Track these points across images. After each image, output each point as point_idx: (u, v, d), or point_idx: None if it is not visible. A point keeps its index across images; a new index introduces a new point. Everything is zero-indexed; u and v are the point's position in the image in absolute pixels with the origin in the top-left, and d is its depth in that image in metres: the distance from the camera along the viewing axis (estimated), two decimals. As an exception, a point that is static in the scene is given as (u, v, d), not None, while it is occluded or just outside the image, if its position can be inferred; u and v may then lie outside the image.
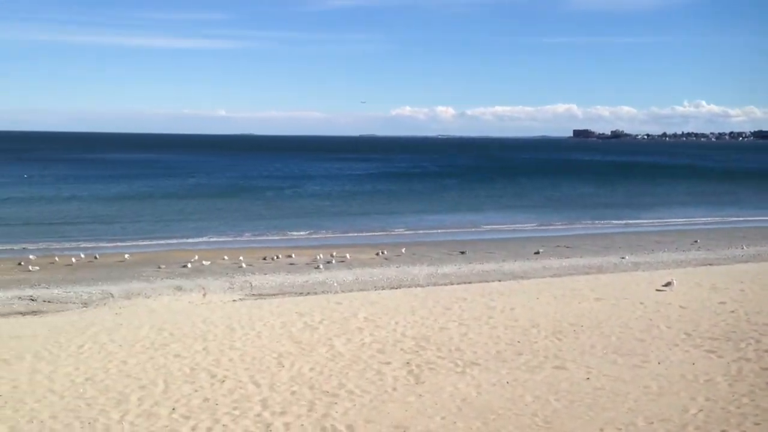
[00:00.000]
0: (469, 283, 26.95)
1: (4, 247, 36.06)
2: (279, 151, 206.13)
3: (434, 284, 26.89)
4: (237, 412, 13.04)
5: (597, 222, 50.77)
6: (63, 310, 22.58)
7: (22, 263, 30.77)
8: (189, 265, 30.50)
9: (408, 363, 15.98)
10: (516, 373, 15.23)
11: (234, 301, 23.87)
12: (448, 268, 30.42)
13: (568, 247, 36.81)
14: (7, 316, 21.74)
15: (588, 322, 19.51)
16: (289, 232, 43.72)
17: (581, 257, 33.64)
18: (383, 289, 26.02)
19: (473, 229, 46.11)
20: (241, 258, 31.86)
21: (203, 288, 25.96)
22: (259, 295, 25.13)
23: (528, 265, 31.23)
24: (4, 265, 30.84)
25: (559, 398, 13.70)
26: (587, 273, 29.17)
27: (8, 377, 15.06)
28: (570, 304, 21.96)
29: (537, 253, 34.74)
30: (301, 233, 43.54)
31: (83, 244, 37.28)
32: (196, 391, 14.18)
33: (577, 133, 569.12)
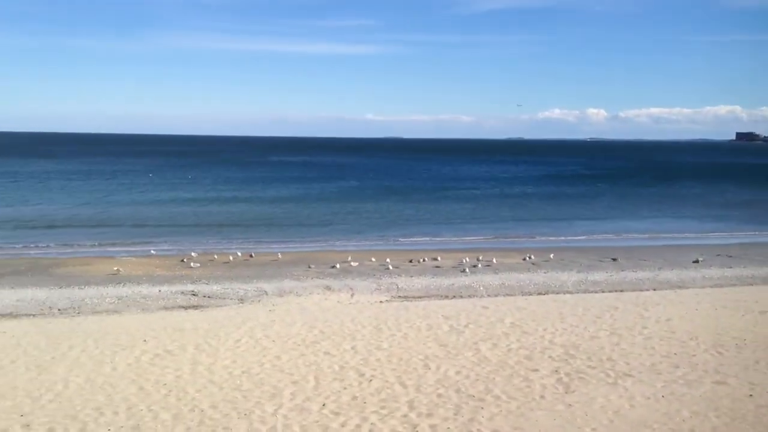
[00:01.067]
0: (621, 291, 25.93)
1: (170, 247, 38.46)
2: (427, 154, 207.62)
3: (584, 291, 26.08)
4: (384, 411, 13.21)
5: (765, 230, 47.35)
6: (221, 306, 23.75)
7: (185, 260, 32.68)
8: (338, 266, 31.27)
9: (556, 371, 15.59)
10: (672, 387, 14.48)
11: (381, 302, 24.21)
12: (598, 275, 29.42)
13: (730, 256, 34.63)
14: (171, 309, 23.13)
15: (752, 336, 18.26)
16: (434, 235, 43.92)
17: (745, 267, 31.53)
18: (530, 294, 25.53)
19: (626, 236, 44.34)
20: (387, 260, 32.29)
21: (351, 288, 26.53)
22: (405, 297, 25.35)
23: (686, 274, 29.64)
24: (168, 261, 32.88)
25: (720, 415, 12.91)
26: (752, 284, 27.32)
27: (172, 367, 16.02)
28: (732, 316, 20.65)
29: (696, 261, 32.93)
30: (448, 236, 43.59)
31: (240, 243, 39.11)
32: (345, 388, 14.50)
33: (740, 135, 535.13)
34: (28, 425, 12.42)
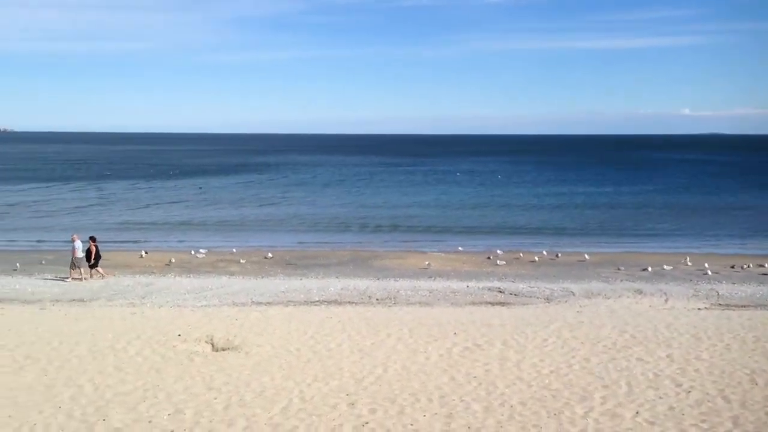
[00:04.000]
0: None
1: (476, 243, 39.54)
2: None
3: None
4: (705, 426, 12.24)
5: None
6: (527, 304, 23.78)
7: (491, 257, 33.30)
8: (649, 269, 29.71)
9: None
10: None
11: (699, 309, 22.49)
12: None
13: None
14: (478, 304, 23.68)
15: None
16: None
17: None
18: None
19: None
20: (705, 264, 29.94)
21: (665, 293, 25.01)
22: (727, 305, 23.28)
23: None
24: (475, 258, 33.78)
25: None
26: None
27: (482, 361, 16.37)
28: None
29: None
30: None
31: (545, 242, 38.88)
32: (660, 398, 13.68)
33: None
34: (353, 404, 13.47)
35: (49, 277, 28.07)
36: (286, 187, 77.78)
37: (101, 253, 28.04)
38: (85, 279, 27.23)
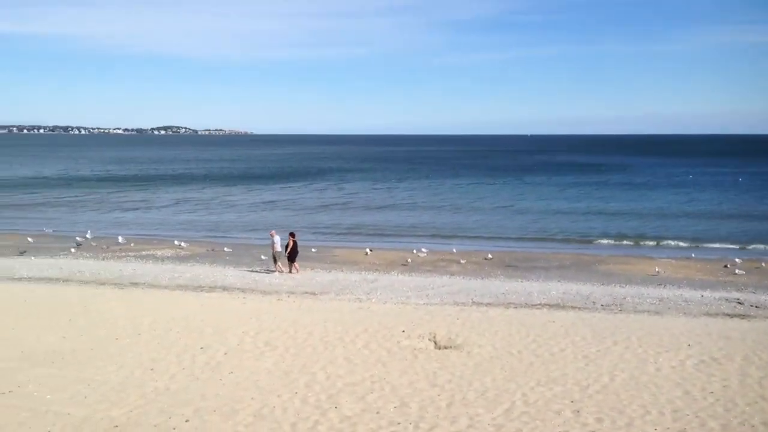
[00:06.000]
0: None
1: (714, 247, 36.84)
2: None
3: None
4: None
5: None
6: (772, 318, 21.75)
7: (728, 266, 30.88)
8: None
9: None
10: None
11: None
12: None
13: None
14: (714, 315, 22.01)
15: None
16: None
17: None
18: None
19: None
20: None
21: None
22: None
23: None
24: (709, 266, 31.50)
25: None
26: None
27: (719, 375, 15.22)
28: None
29: None
30: None
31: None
32: None
33: None
34: (578, 411, 13.09)
35: (258, 269, 30.29)
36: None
37: (298, 249, 29.74)
38: (284, 272, 29.10)
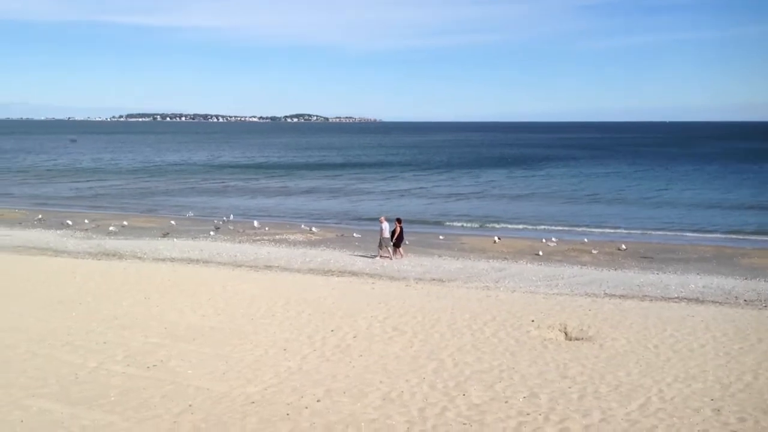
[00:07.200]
0: None
1: None
2: None
3: None
4: None
5: None
6: None
7: None
8: None
9: None
10: None
11: None
12: None
13: None
14: None
15: None
16: None
17: None
18: None
19: None
20: None
21: None
22: None
23: None
24: None
25: None
26: None
27: None
28: None
29: None
30: None
31: None
32: None
33: None
34: (718, 410, 12.45)
35: (359, 254, 30.75)
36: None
37: (404, 235, 29.98)
38: (390, 258, 29.24)
